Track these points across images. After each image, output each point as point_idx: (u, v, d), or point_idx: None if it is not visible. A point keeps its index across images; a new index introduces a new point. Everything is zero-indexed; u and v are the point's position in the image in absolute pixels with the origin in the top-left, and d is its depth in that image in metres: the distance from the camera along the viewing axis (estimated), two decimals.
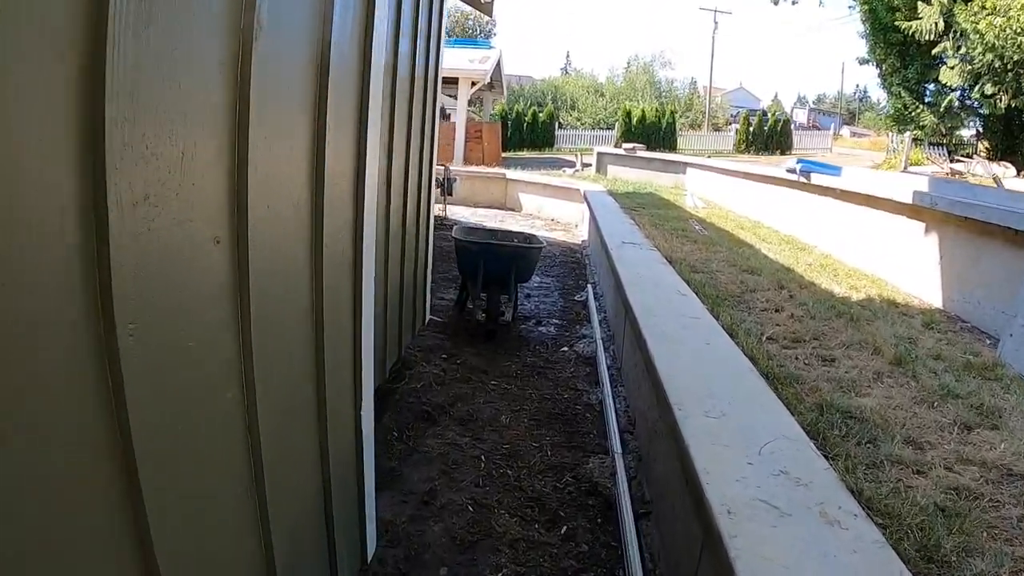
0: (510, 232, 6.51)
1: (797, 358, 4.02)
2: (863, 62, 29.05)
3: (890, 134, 31.21)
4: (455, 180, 11.97)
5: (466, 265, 5.71)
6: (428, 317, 5.24)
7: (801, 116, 65.12)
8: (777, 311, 4.65)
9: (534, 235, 6.26)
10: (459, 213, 13.32)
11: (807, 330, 4.37)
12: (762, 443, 2.10)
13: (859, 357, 4.09)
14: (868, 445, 2.93)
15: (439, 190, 11.89)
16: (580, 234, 11.58)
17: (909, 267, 6.11)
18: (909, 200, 6.02)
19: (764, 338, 4.12)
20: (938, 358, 4.24)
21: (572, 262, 9.27)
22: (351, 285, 2.19)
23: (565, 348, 5.64)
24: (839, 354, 4.12)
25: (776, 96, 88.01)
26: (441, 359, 5.17)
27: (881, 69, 28.52)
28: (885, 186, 6.39)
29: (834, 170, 7.62)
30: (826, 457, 2.67)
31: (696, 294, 3.90)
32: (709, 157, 15.66)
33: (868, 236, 6.55)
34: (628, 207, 9.38)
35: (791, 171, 8.00)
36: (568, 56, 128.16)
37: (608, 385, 4.61)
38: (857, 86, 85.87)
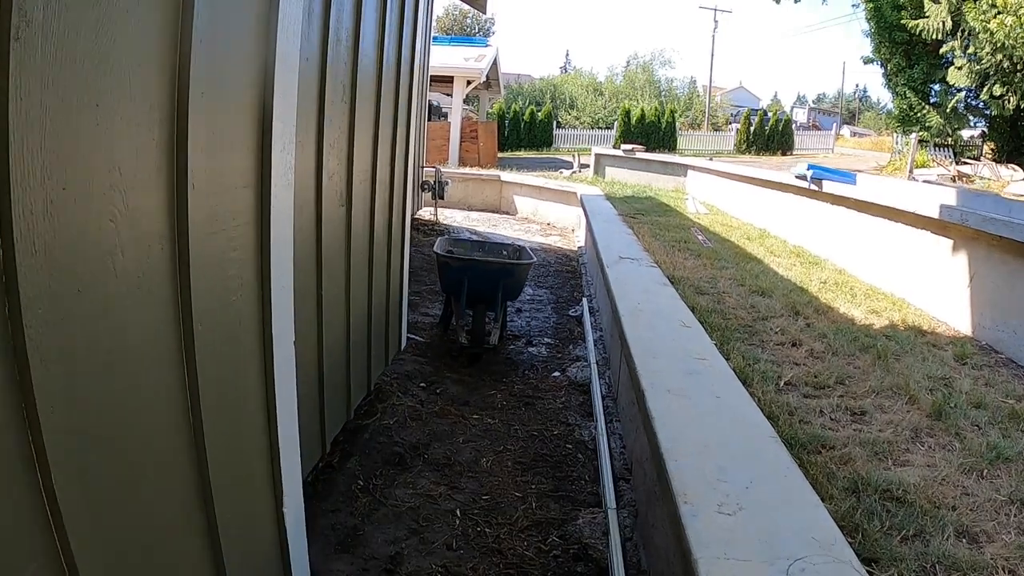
0: (498, 245, 6.03)
1: (822, 412, 3.48)
2: (867, 61, 28.59)
3: (895, 135, 30.75)
4: (447, 183, 11.49)
5: (449, 283, 5.23)
6: (404, 342, 4.75)
7: (801, 116, 64.73)
8: (794, 345, 4.12)
9: (524, 248, 5.78)
10: (452, 217, 12.84)
11: (830, 371, 3.83)
12: (789, 554, 1.62)
13: (893, 409, 3.57)
14: (915, 541, 2.44)
15: (430, 194, 11.41)
16: (577, 239, 11.09)
17: (934, 288, 5.57)
18: (935, 214, 5.48)
19: (782, 383, 3.58)
20: (979, 406, 3.72)
21: (568, 271, 8.78)
22: (257, 350, 1.70)
23: (557, 373, 5.16)
24: (870, 405, 3.58)
25: (776, 96, 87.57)
26: (419, 388, 4.69)
27: (886, 69, 28.06)
28: (907, 197, 5.87)
29: (848, 177, 7.12)
30: (868, 562, 2.17)
31: (702, 324, 3.41)
32: (711, 159, 15.13)
33: (887, 251, 6.04)
34: (626, 213, 8.89)
35: (801, 177, 7.50)
36: (568, 55, 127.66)
37: (602, 421, 4.13)
38: (857, 86, 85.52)
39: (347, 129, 3.08)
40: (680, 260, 5.66)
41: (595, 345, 5.61)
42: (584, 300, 6.90)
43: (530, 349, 5.67)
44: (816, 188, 7.13)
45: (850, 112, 72.61)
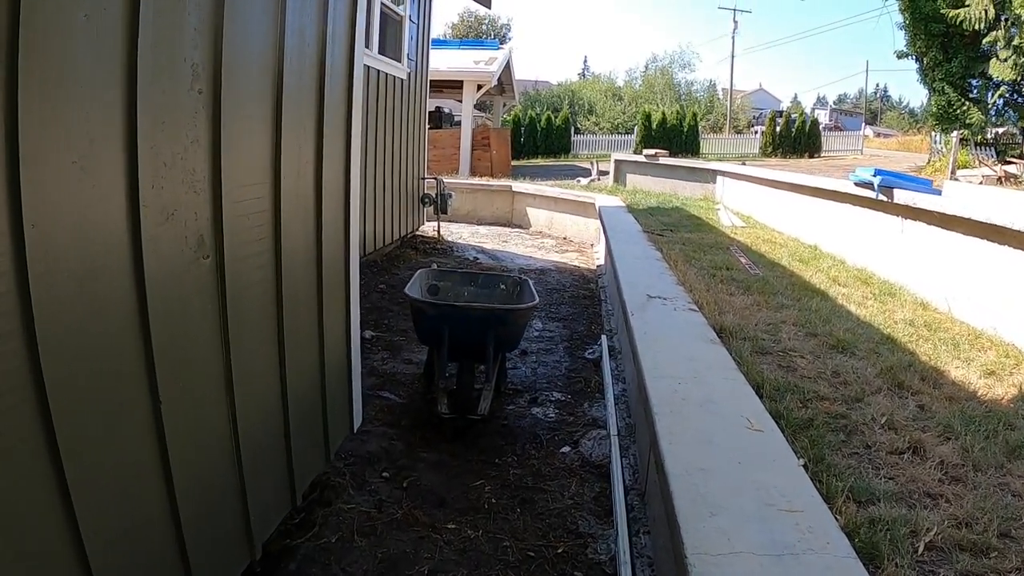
0: (495, 277, 4.85)
1: None
2: (901, 55, 27.06)
3: (933, 133, 29.21)
4: (451, 195, 10.35)
5: (425, 333, 4.08)
6: (359, 419, 3.57)
7: (823, 117, 62.99)
8: (915, 453, 2.79)
9: (525, 283, 4.60)
10: (458, 232, 11.69)
11: (984, 510, 2.46)
12: None
13: None
14: None
15: (431, 208, 10.28)
16: (596, 256, 9.89)
17: None
18: None
19: (920, 548, 2.20)
20: None
21: (585, 296, 7.58)
22: None
23: (567, 448, 3.96)
24: None
25: (796, 97, 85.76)
26: (380, 480, 3.52)
27: (921, 63, 26.55)
28: (1019, 212, 4.58)
29: (923, 184, 5.85)
30: None
31: (777, 419, 2.22)
32: (743, 163, 13.80)
33: (993, 283, 4.72)
34: (652, 229, 7.69)
35: (863, 184, 6.25)
36: (585, 61, 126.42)
37: (625, 536, 2.93)
38: (877, 85, 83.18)
39: (208, 136, 1.92)
40: (725, 297, 4.43)
41: (616, 403, 4.41)
42: (603, 338, 5.70)
43: (534, 410, 4.47)
44: (885, 198, 5.87)
45: (872, 112, 70.81)
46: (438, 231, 10.66)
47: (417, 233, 10.59)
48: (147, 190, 1.62)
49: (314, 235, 2.73)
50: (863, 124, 47.84)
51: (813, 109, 65.95)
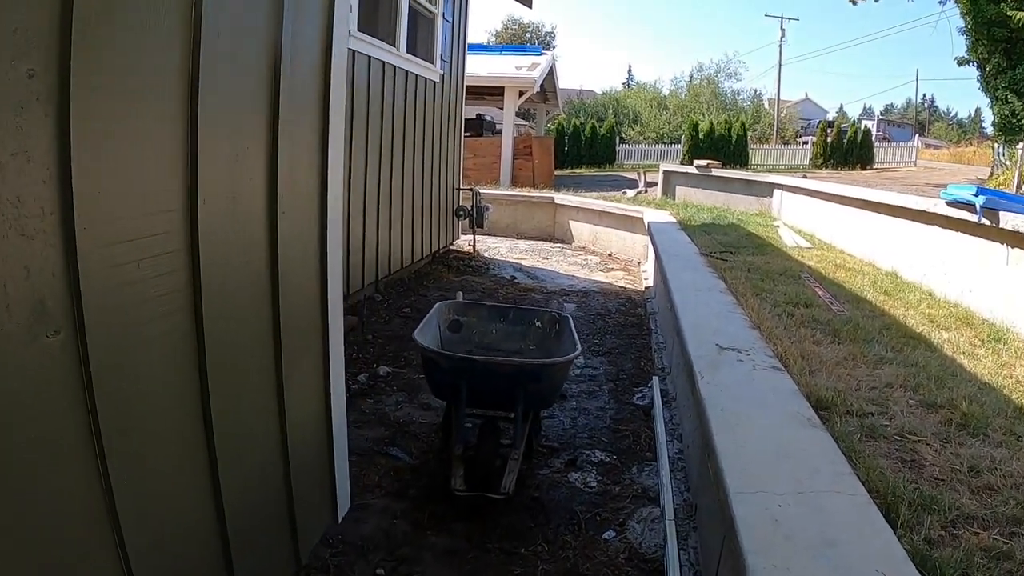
0: (530, 312, 4.09)
1: None
2: (961, 62, 25.60)
3: (996, 145, 27.68)
4: (488, 208, 9.63)
5: (439, 387, 3.34)
6: (346, 505, 2.83)
7: (871, 128, 61.00)
8: None
9: (566, 321, 3.82)
10: (496, 247, 10.95)
11: None
12: None
13: None
14: None
15: (467, 220, 9.57)
16: (644, 276, 9.07)
17: None
18: None
19: None
20: None
21: (632, 324, 6.78)
22: None
23: (610, 533, 3.18)
24: None
25: (841, 108, 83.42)
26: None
27: (983, 70, 25.10)
28: None
29: None
30: None
31: (918, 566, 1.43)
32: (804, 176, 12.77)
33: None
34: (709, 250, 6.85)
35: (960, 204, 5.33)
36: (630, 70, 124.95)
37: None
38: (924, 96, 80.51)
39: (49, 146, 1.20)
40: (812, 347, 3.59)
41: (672, 470, 3.61)
42: (654, 381, 4.90)
43: (572, 476, 3.68)
44: (989, 222, 4.95)
45: (919, 123, 68.58)
46: (474, 246, 9.94)
47: (452, 248, 9.89)
48: None
49: (266, 277, 2.00)
50: (915, 135, 45.86)
51: (860, 120, 63.98)
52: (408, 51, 7.36)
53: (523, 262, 9.83)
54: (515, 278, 8.60)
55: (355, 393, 4.63)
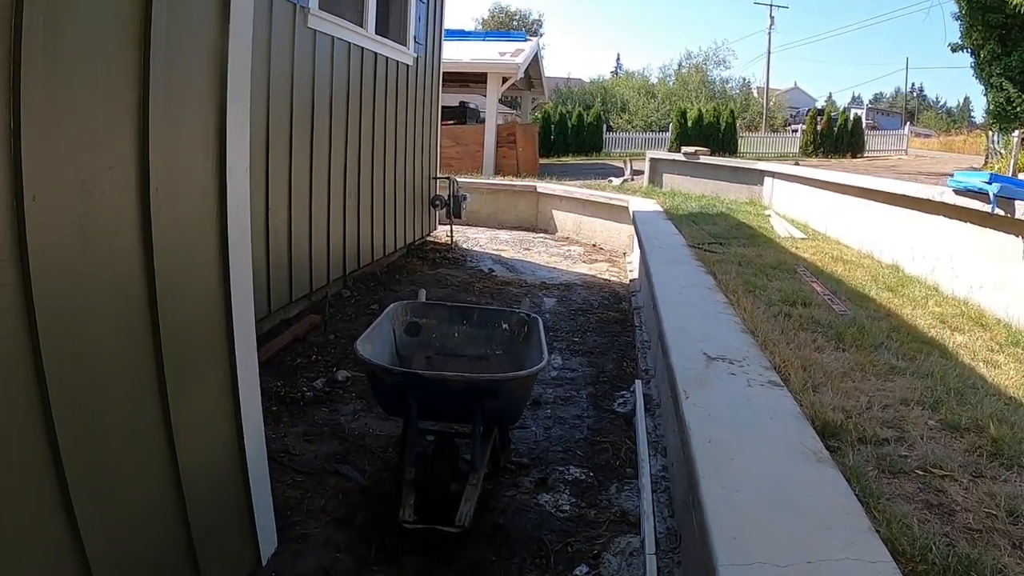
0: (495, 314, 3.68)
1: None
2: (955, 48, 25.27)
3: (991, 133, 27.39)
4: (465, 197, 9.20)
5: (387, 405, 2.93)
6: (267, 549, 2.41)
7: (860, 116, 60.74)
8: None
9: (535, 320, 3.42)
10: (475, 238, 10.53)
11: None
12: None
13: None
14: None
15: (443, 211, 9.14)
16: (629, 268, 8.68)
17: None
18: None
19: None
20: None
21: (615, 320, 6.38)
22: None
23: (584, 568, 2.78)
24: None
25: (830, 96, 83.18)
26: None
27: (978, 57, 24.80)
28: None
29: None
30: None
31: None
32: (797, 163, 12.32)
33: None
34: (697, 241, 6.46)
35: (969, 192, 4.94)
36: (619, 59, 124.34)
37: None
38: (913, 85, 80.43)
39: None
40: (813, 354, 3.17)
41: (655, 489, 3.23)
42: (637, 385, 4.51)
43: (542, 498, 3.29)
44: (1004, 212, 4.55)
45: (908, 112, 68.46)
46: (451, 237, 9.51)
47: (428, 239, 9.46)
48: None
49: (140, 288, 1.58)
50: (905, 124, 45.52)
51: (848, 108, 63.79)
52: (378, 32, 6.91)
53: (503, 254, 9.42)
54: (493, 271, 8.19)
55: (309, 402, 4.22)
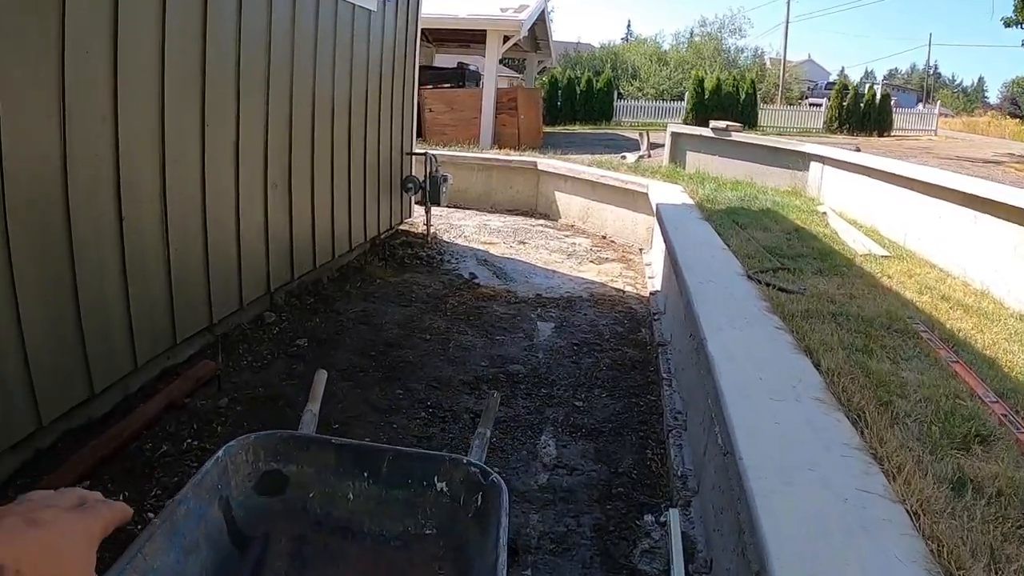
0: (423, 462, 1.93)
1: None
2: (1008, 23, 23.23)
3: None
4: (445, 179, 7.39)
5: None
6: None
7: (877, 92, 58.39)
8: None
9: (497, 488, 1.69)
10: (459, 227, 8.74)
11: None
12: None
13: None
14: None
15: (418, 194, 7.37)
16: (648, 273, 6.91)
17: None
18: None
19: None
20: None
21: (632, 362, 4.66)
22: None
23: None
24: None
25: (843, 70, 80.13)
26: None
27: None
28: None
29: None
30: None
31: None
32: (857, 149, 10.36)
33: None
34: (754, 260, 4.68)
35: None
36: (629, 25, 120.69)
37: None
38: (928, 63, 77.50)
39: None
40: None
41: None
42: (672, 515, 2.77)
43: None
44: None
45: (925, 89, 66.02)
46: (427, 229, 7.71)
47: (401, 229, 7.68)
48: None
49: None
50: (936, 102, 43.11)
51: (862, 82, 61.21)
52: None
53: (491, 249, 7.63)
54: (475, 276, 6.42)
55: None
